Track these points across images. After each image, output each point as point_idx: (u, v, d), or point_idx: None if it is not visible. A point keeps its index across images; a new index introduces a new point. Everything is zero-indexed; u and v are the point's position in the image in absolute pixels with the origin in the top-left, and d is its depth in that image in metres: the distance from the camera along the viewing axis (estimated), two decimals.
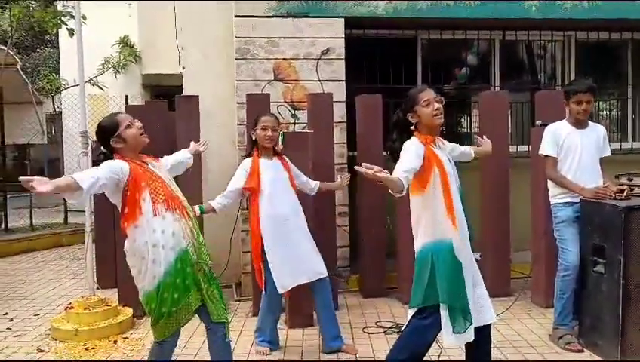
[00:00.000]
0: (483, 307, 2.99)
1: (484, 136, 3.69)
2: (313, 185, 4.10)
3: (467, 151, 3.43)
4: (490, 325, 3.05)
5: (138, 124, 2.89)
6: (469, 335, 2.86)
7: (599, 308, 3.60)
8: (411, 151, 2.85)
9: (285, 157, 3.91)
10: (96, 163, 2.84)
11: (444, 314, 2.82)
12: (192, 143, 3.85)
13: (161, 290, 2.74)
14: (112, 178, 2.68)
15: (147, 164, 2.88)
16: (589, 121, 3.94)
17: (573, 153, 3.83)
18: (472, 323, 2.82)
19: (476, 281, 3.00)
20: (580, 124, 3.88)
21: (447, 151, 3.15)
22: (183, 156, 3.53)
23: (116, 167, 2.71)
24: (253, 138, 3.80)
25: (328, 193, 4.66)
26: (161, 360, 2.94)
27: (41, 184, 2.33)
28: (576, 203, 3.81)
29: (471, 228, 2.99)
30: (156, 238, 2.74)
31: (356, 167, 2.63)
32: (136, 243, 2.75)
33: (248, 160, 3.80)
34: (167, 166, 3.18)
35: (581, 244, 3.77)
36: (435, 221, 2.84)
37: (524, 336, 4.05)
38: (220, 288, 2.98)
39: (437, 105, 2.90)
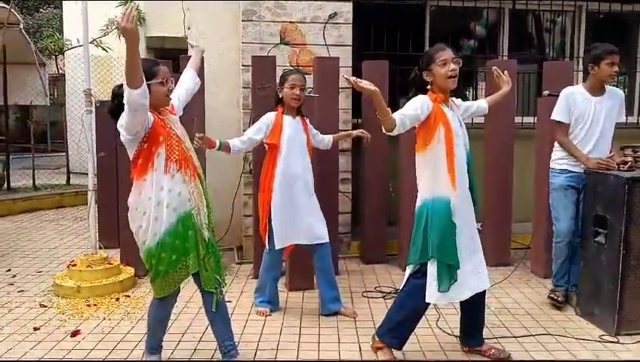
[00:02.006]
0: (481, 274, 3.02)
1: (505, 72, 3.55)
2: (327, 141, 4.12)
3: (482, 106, 3.43)
4: (485, 291, 3.09)
5: (171, 86, 2.83)
6: (454, 295, 2.93)
7: (598, 278, 3.62)
8: (415, 102, 2.90)
9: (306, 118, 3.91)
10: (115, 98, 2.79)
11: (431, 269, 2.88)
12: (191, 48, 3.56)
13: (159, 249, 2.75)
14: (144, 119, 2.64)
15: (166, 118, 2.84)
16: (606, 86, 3.91)
17: (584, 122, 3.82)
18: (456, 281, 2.87)
19: (476, 248, 3.02)
20: (599, 90, 3.85)
21: (461, 112, 3.16)
22: (192, 83, 3.30)
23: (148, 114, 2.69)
24: (280, 96, 3.78)
25: (331, 159, 4.66)
26: (161, 316, 2.98)
27: None
28: (573, 172, 3.85)
29: (474, 192, 3.00)
30: (162, 196, 2.73)
31: (345, 75, 2.79)
32: (141, 197, 2.75)
33: (272, 114, 3.78)
34: (179, 111, 3.09)
35: (583, 214, 3.78)
36: (435, 178, 2.88)
37: (521, 304, 4.09)
38: (220, 258, 2.99)
39: (453, 66, 2.89)
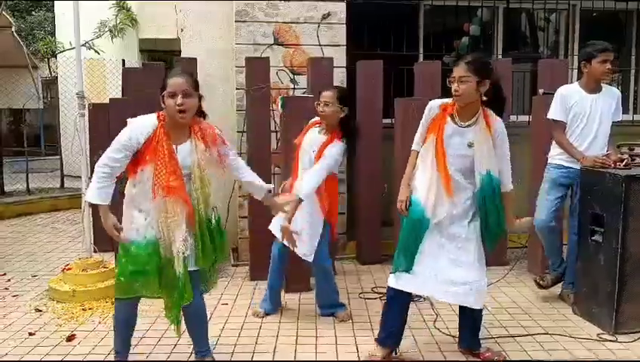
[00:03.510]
0: (457, 288, 2.97)
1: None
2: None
3: (505, 186, 3.04)
4: (473, 309, 3.07)
5: (179, 100, 2.61)
6: (411, 287, 3.00)
7: (596, 277, 3.61)
8: (422, 119, 3.08)
9: (335, 142, 3.59)
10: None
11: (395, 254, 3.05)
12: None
13: (123, 252, 2.74)
14: (127, 152, 2.68)
15: (182, 138, 2.73)
16: (602, 84, 3.91)
17: (580, 120, 3.83)
18: (407, 272, 2.96)
19: (458, 262, 2.98)
20: (594, 88, 3.85)
21: (495, 137, 2.93)
22: (257, 185, 3.06)
23: (134, 135, 2.67)
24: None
25: None
26: (119, 317, 2.89)
27: None
28: (569, 168, 3.85)
29: (489, 224, 2.98)
30: (141, 208, 2.72)
31: None
32: (129, 196, 2.78)
33: (314, 119, 3.79)
34: (230, 162, 2.93)
35: (580, 213, 3.77)
36: (418, 177, 3.03)
37: (519, 303, 4.08)
38: (183, 296, 2.76)
39: (454, 86, 2.88)
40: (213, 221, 2.84)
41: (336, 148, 3.57)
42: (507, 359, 3.18)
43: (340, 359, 3.22)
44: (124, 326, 2.92)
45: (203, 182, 2.76)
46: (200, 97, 2.76)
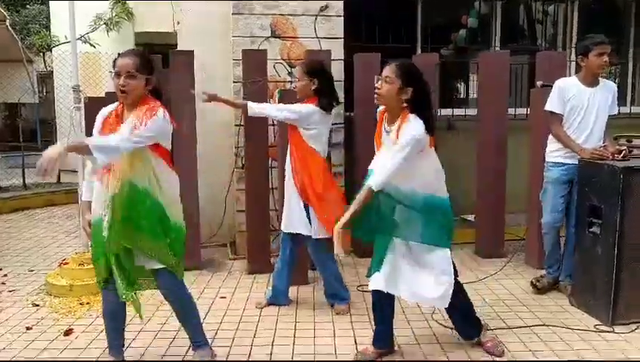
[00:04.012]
0: (423, 293, 2.98)
1: None
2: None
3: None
4: (452, 302, 3.03)
5: (121, 81, 2.59)
6: (388, 286, 2.96)
7: (593, 269, 3.61)
8: None
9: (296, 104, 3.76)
10: None
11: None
12: None
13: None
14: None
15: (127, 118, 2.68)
16: (599, 78, 3.91)
17: (577, 113, 3.82)
18: (378, 272, 2.96)
19: (419, 262, 2.97)
20: (592, 81, 3.85)
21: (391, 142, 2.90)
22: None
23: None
24: None
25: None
26: (103, 309, 2.91)
27: None
28: (568, 164, 3.85)
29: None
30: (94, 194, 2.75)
31: None
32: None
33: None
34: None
35: (578, 205, 3.77)
36: None
37: (516, 295, 4.08)
38: (130, 274, 2.78)
39: (377, 84, 2.86)
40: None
41: (303, 105, 3.64)
42: (503, 355, 3.17)
43: (337, 351, 3.22)
44: (107, 315, 2.92)
45: (129, 156, 2.62)
46: (148, 79, 2.67)
